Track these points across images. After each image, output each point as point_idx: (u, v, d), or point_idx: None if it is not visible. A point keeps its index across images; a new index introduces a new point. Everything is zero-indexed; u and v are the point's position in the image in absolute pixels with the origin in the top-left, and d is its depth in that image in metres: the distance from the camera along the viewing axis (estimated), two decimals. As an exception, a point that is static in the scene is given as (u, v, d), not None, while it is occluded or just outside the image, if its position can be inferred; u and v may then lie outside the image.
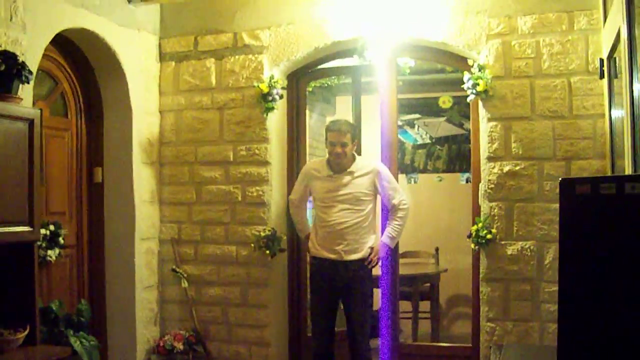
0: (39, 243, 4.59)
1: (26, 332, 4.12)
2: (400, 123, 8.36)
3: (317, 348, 5.52)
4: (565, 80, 5.22)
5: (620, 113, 4.44)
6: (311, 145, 7.68)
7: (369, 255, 5.38)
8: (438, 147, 8.82)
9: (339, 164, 5.41)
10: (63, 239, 5.21)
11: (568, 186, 1.51)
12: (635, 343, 1.49)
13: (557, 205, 5.10)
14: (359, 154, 5.70)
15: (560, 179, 1.50)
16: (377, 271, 5.68)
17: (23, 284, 4.26)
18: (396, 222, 5.45)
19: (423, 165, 8.87)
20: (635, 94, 3.90)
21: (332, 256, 5.38)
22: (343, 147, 5.35)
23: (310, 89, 6.91)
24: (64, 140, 5.65)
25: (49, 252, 5.08)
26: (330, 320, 5.53)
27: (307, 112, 6.60)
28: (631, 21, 3.94)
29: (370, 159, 5.67)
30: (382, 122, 5.96)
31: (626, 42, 4.00)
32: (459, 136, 8.66)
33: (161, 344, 5.95)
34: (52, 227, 5.09)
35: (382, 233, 5.52)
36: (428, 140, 8.87)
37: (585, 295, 1.52)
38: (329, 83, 7.83)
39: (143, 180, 6.04)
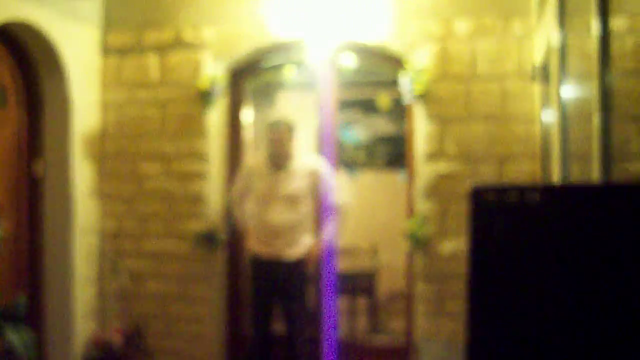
0: (-24, 236, 4.57)
1: (-39, 326, 4.12)
2: (339, 121, 8.45)
3: (254, 342, 5.58)
4: (500, 84, 5.36)
5: (550, 117, 4.60)
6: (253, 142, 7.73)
7: (306, 254, 5.46)
8: (377, 145, 8.93)
9: (278, 161, 5.47)
10: (2, 231, 5.19)
11: (478, 194, 1.61)
12: (534, 344, 1.60)
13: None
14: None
15: (473, 186, 1.60)
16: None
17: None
18: (333, 222, 5.54)
19: (363, 163, 8.97)
20: (564, 99, 4.05)
21: (269, 253, 5.44)
22: (282, 145, 5.41)
23: (252, 86, 6.94)
24: (2, 132, 5.61)
25: (-13, 244, 5.06)
26: (268, 316, 5.59)
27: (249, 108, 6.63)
28: (562, 29, 4.08)
29: (310, 157, 5.73)
30: (322, 119, 6.04)
31: (557, 49, 4.14)
32: (398, 135, 8.76)
33: (100, 338, 5.95)
34: (-11, 220, 5.08)
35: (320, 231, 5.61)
36: (367, 139, 8.97)
37: (491, 300, 1.62)
38: (270, 80, 7.86)
39: (83, 173, 6.03)
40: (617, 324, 1.56)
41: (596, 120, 2.82)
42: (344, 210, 5.58)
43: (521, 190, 1.54)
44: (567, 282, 1.55)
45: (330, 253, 5.76)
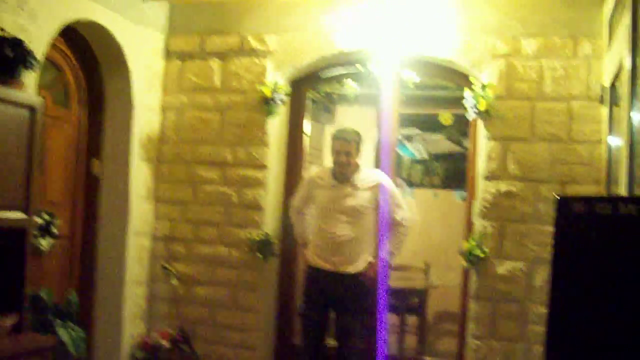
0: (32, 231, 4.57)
1: (14, 319, 4.12)
2: (398, 137, 8.38)
3: (305, 355, 5.49)
4: (566, 105, 5.26)
5: (618, 141, 4.47)
6: (310, 154, 7.69)
7: (365, 269, 5.36)
8: (435, 163, 8.85)
9: (343, 173, 5.34)
10: (57, 228, 5.22)
11: (565, 204, 1.53)
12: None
13: (550, 228, 5.14)
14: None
15: (557, 196, 1.52)
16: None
17: (14, 270, 4.23)
18: (396, 239, 5.38)
19: (419, 180, 8.89)
20: (635, 122, 3.93)
21: (328, 267, 5.32)
22: (347, 157, 5.27)
23: (313, 97, 6.91)
24: (63, 130, 5.66)
25: (42, 241, 5.08)
26: (322, 329, 5.48)
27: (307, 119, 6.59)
28: (635, 51, 3.97)
29: (375, 171, 5.60)
30: (382, 134, 5.97)
31: (628, 71, 4.03)
32: (456, 154, 8.68)
33: (147, 340, 5.95)
34: (46, 217, 5.10)
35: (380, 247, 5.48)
36: (426, 156, 8.90)
37: (575, 312, 1.54)
38: (331, 92, 7.83)
39: (140, 176, 6.05)
40: None
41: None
42: (409, 227, 5.43)
43: (613, 201, 1.46)
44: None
45: (385, 269, 5.64)
